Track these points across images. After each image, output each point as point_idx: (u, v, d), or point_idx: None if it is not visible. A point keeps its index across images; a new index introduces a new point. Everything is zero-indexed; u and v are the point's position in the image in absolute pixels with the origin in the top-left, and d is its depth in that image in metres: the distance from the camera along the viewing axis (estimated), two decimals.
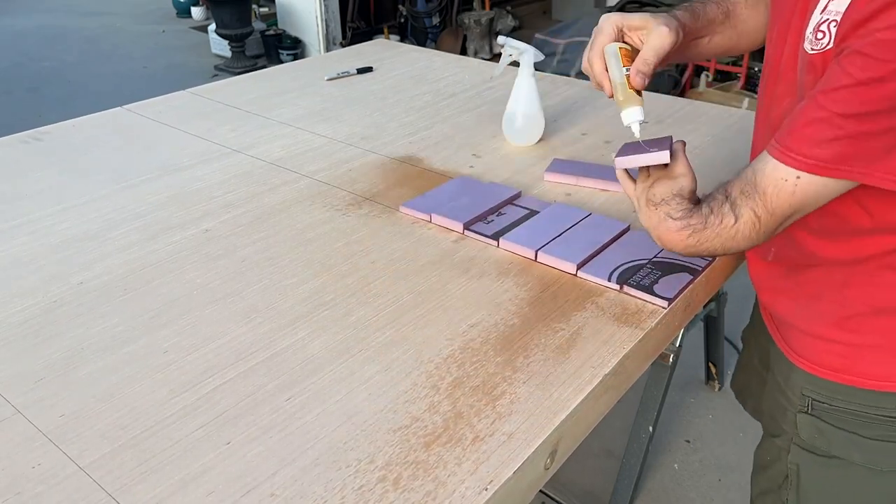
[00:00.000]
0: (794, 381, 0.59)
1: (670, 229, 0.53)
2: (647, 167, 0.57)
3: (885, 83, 0.42)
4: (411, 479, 0.45)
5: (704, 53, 0.66)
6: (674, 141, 0.56)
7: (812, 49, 0.49)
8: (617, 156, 0.57)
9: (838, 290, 0.55)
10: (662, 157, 0.55)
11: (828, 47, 0.47)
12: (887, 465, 0.56)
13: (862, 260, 0.53)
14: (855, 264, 0.54)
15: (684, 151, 0.56)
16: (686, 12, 0.62)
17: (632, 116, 0.56)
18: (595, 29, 0.59)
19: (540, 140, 0.94)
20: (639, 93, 0.57)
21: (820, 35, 0.48)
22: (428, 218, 0.76)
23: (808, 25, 0.49)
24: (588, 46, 0.59)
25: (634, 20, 0.58)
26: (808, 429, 0.59)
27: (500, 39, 0.89)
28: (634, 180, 0.58)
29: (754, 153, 0.61)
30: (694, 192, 0.54)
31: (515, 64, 0.91)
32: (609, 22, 0.58)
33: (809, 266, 0.57)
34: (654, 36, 0.56)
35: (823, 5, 0.48)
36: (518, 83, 0.90)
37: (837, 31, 0.46)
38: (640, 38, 0.58)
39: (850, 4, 0.45)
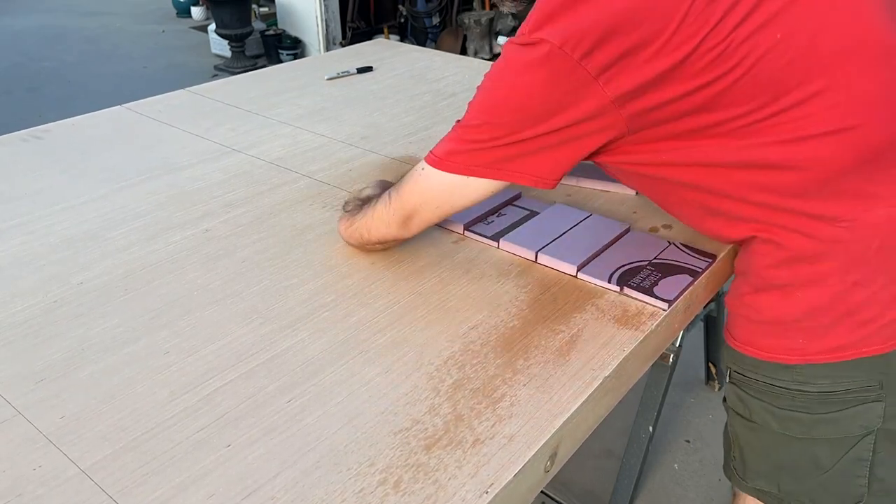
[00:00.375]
0: (724, 355, 0.65)
1: (340, 220, 0.69)
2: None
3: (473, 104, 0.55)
4: (412, 482, 0.45)
5: None
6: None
7: None
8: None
9: (741, 271, 0.61)
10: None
11: None
12: (799, 433, 0.59)
13: (737, 240, 0.60)
14: (738, 243, 0.60)
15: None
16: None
17: None
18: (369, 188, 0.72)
19: None
20: None
21: None
22: None
23: None
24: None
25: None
26: (733, 397, 0.65)
27: (501, 40, 0.88)
28: None
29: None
30: (371, 198, 0.66)
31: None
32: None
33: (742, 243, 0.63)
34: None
35: None
36: None
37: None
38: None
39: None
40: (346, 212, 0.68)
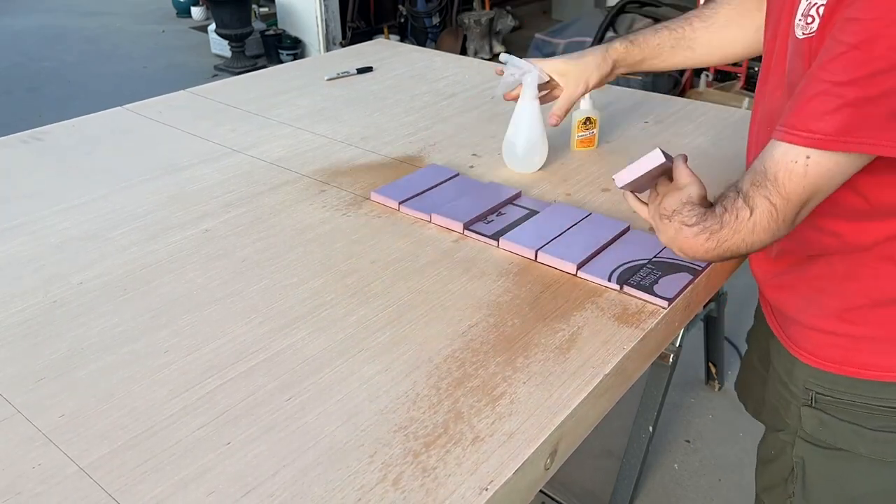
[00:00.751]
0: (796, 374, 0.59)
1: (687, 237, 0.53)
2: (656, 186, 0.58)
3: (876, 41, 0.41)
4: (411, 480, 0.45)
5: (666, 68, 0.76)
6: (666, 151, 0.57)
7: (803, 34, 0.48)
8: (616, 176, 0.59)
9: (840, 283, 0.55)
10: (655, 157, 0.56)
11: (815, 30, 0.47)
12: (892, 456, 0.56)
13: (861, 249, 0.53)
14: (855, 254, 0.54)
15: (685, 162, 0.57)
16: (624, 44, 0.74)
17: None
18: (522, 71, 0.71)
19: (539, 168, 0.86)
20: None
21: (809, 19, 0.48)
22: (428, 218, 0.76)
23: (797, 12, 0.49)
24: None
25: (557, 65, 0.72)
26: (812, 421, 0.59)
27: (503, 57, 0.80)
28: (645, 203, 0.60)
29: (749, 154, 0.61)
30: (704, 197, 0.54)
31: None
32: (540, 66, 0.72)
33: (812, 258, 0.57)
34: (568, 87, 0.73)
35: None
36: (520, 106, 0.81)
37: (824, 11, 0.46)
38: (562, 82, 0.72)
39: None
40: (692, 226, 0.52)
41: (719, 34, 0.72)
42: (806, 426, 0.59)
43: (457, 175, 0.84)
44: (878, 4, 0.41)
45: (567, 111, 0.78)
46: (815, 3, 0.48)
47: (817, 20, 0.47)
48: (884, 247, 0.52)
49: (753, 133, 0.61)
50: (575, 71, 0.72)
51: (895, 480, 0.57)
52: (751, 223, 0.49)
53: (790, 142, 0.46)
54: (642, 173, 0.56)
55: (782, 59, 0.53)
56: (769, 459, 0.64)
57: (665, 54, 0.74)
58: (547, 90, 0.80)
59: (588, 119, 0.88)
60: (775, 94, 0.55)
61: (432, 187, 0.81)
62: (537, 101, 0.81)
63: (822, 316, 0.56)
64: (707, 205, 0.53)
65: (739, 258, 0.56)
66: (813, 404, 0.58)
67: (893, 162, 0.46)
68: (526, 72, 0.79)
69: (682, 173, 0.56)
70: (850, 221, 0.53)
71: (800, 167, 0.46)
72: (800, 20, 0.49)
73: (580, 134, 0.88)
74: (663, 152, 0.56)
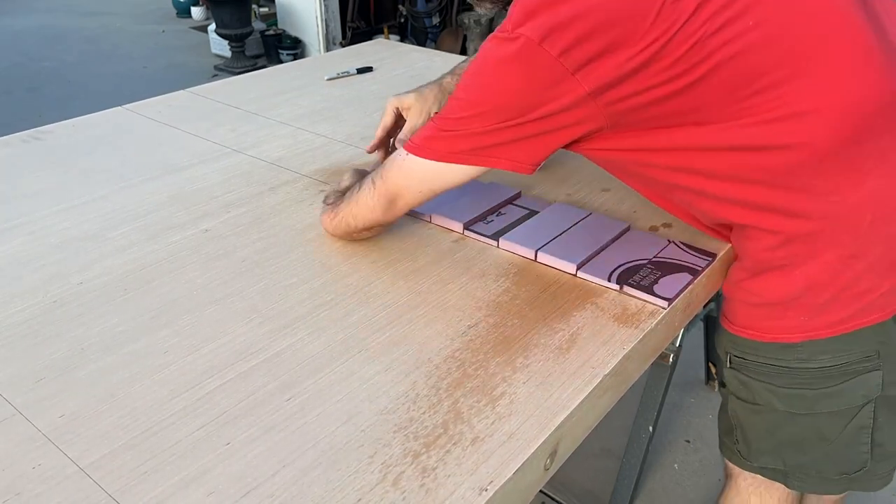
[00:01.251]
0: (721, 341, 0.67)
1: (323, 213, 0.70)
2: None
3: (454, 98, 0.57)
4: (411, 480, 0.45)
5: None
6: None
7: None
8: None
9: (738, 256, 0.62)
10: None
11: None
12: (804, 409, 0.62)
13: (725, 224, 0.62)
14: (731, 229, 0.62)
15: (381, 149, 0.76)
16: (454, 78, 0.81)
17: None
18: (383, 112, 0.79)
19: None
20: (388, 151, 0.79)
21: None
22: (428, 218, 0.76)
23: None
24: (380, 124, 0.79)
25: (406, 101, 0.77)
26: (734, 382, 0.66)
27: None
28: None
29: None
30: (350, 188, 0.68)
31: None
32: (390, 105, 0.78)
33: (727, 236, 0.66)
34: (411, 118, 0.77)
35: None
36: None
37: None
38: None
39: None
40: (328, 205, 0.69)
41: None
42: (730, 385, 0.66)
43: None
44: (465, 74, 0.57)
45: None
46: None
47: None
48: (751, 229, 0.58)
49: None
50: (416, 104, 0.78)
51: (812, 428, 0.63)
52: (356, 196, 0.65)
53: (407, 149, 0.61)
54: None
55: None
56: (721, 409, 0.72)
57: None
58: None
59: None
60: None
61: None
62: None
63: (732, 286, 0.63)
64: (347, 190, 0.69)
65: (353, 235, 0.68)
66: (731, 366, 0.65)
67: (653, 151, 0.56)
68: None
69: (351, 169, 0.73)
70: (701, 198, 0.60)
71: (398, 160, 0.61)
72: None
73: None
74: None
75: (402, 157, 0.61)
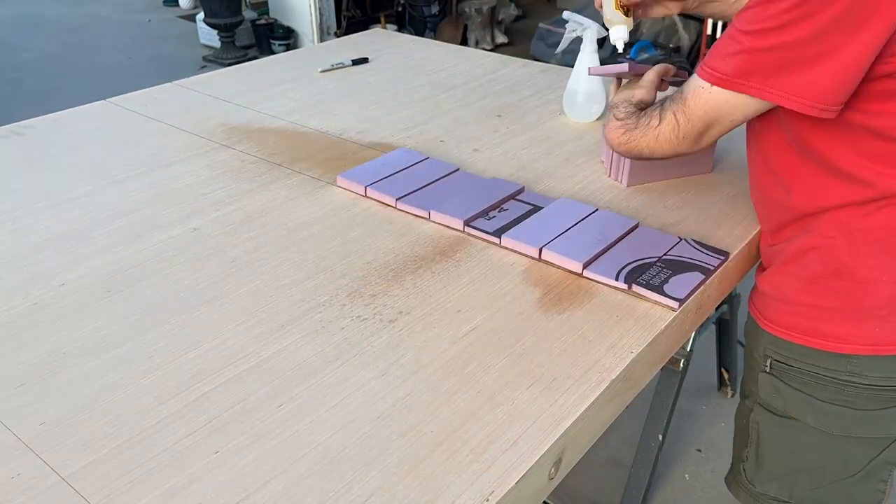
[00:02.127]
0: (760, 343, 0.63)
1: (610, 127, 0.63)
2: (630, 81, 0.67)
3: (772, 3, 0.49)
4: (408, 491, 0.44)
5: (728, 13, 0.71)
6: (640, 63, 0.66)
7: None
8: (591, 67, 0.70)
9: (803, 255, 0.58)
10: (620, 67, 0.65)
11: None
12: (838, 429, 0.59)
13: (814, 215, 0.57)
14: (812, 224, 0.58)
15: (659, 72, 0.65)
16: None
17: (615, 34, 0.67)
18: None
19: (598, 118, 0.94)
20: (627, 14, 0.67)
21: None
22: (426, 215, 0.74)
23: None
24: None
25: None
26: (767, 388, 0.62)
27: (566, 15, 0.91)
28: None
29: None
30: (644, 101, 0.63)
31: (578, 41, 0.92)
32: None
33: (782, 229, 0.61)
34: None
35: None
36: (580, 59, 0.90)
37: None
38: None
39: None
40: (619, 119, 0.63)
41: None
42: (761, 392, 0.63)
43: (457, 170, 0.82)
44: None
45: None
46: None
47: None
48: (837, 214, 0.55)
49: None
50: None
51: (839, 454, 0.59)
52: (657, 131, 0.60)
53: (700, 76, 0.56)
54: (610, 72, 0.67)
55: None
56: (738, 428, 0.68)
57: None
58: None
59: None
60: None
61: (431, 183, 0.79)
62: (596, 55, 0.90)
63: (789, 288, 0.59)
64: (643, 108, 0.63)
65: (645, 159, 0.63)
66: (769, 370, 0.61)
67: (837, 123, 0.52)
68: (587, 27, 0.89)
69: (644, 79, 0.64)
70: (811, 184, 0.57)
71: (704, 93, 0.55)
72: None
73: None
74: (636, 64, 0.65)
75: (702, 88, 0.55)
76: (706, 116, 0.56)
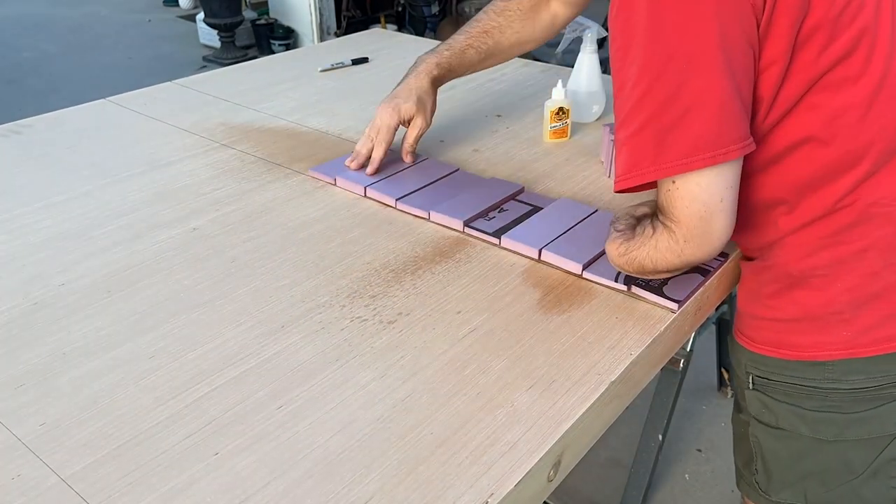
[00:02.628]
0: (741, 361, 0.62)
1: (610, 241, 0.59)
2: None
3: (622, 88, 0.48)
4: (408, 493, 0.43)
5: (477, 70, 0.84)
6: None
7: None
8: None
9: (762, 271, 0.59)
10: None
11: None
12: (832, 435, 0.58)
13: (771, 241, 0.57)
14: (767, 244, 0.58)
15: None
16: (439, 69, 0.79)
17: None
18: (378, 123, 0.78)
19: (598, 118, 0.95)
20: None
21: None
22: (426, 215, 0.74)
23: None
24: (375, 136, 0.78)
25: (406, 110, 0.77)
26: (756, 404, 0.62)
27: None
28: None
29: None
30: (647, 215, 0.58)
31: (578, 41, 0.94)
32: (387, 120, 0.77)
33: (748, 250, 0.62)
34: (416, 124, 0.78)
35: None
36: (580, 59, 0.92)
37: None
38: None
39: None
40: (618, 231, 0.58)
41: (519, 33, 0.80)
42: (751, 409, 0.62)
43: (457, 170, 0.81)
44: (614, 57, 0.48)
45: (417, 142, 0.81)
46: None
47: None
48: (787, 236, 0.55)
49: None
50: (418, 110, 0.77)
51: (839, 458, 0.58)
52: (654, 240, 0.54)
53: (615, 190, 0.53)
54: None
55: None
56: (738, 437, 0.67)
57: (479, 66, 0.83)
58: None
59: (561, 109, 0.89)
60: None
61: (430, 183, 0.78)
62: (596, 55, 0.92)
63: (755, 303, 0.60)
64: (634, 226, 0.58)
65: (650, 274, 0.58)
66: (753, 387, 0.61)
67: (746, 164, 0.50)
68: (587, 28, 0.92)
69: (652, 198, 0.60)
70: (752, 214, 0.57)
71: (671, 193, 0.50)
72: None
73: (553, 125, 0.90)
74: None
75: (671, 187, 0.50)
76: (686, 208, 0.50)
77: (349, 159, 0.80)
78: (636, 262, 0.56)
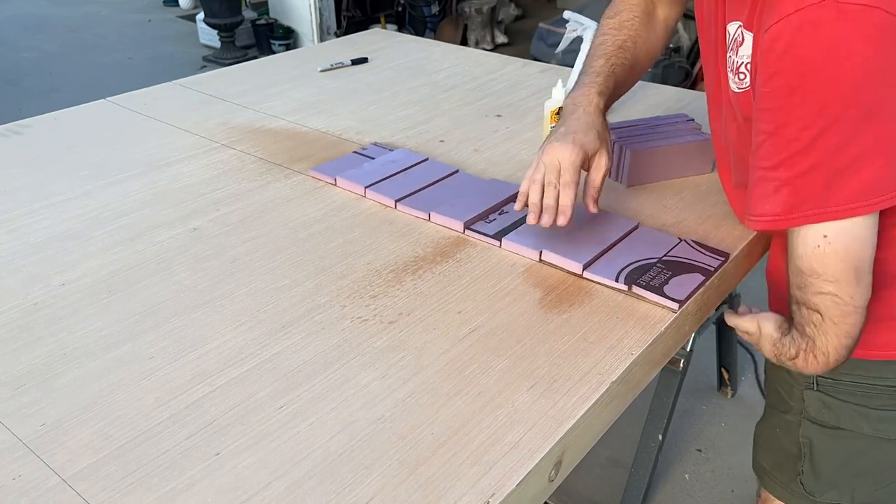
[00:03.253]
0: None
1: (802, 367, 0.54)
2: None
3: (787, 126, 0.46)
4: (409, 493, 0.43)
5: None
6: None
7: (738, 89, 0.55)
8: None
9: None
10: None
11: (748, 86, 0.53)
12: (893, 433, 0.58)
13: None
14: None
15: (736, 315, 0.61)
16: (604, 98, 0.66)
17: None
18: (556, 162, 0.61)
19: None
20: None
21: (742, 76, 0.54)
22: (426, 216, 0.74)
23: (728, 68, 0.56)
24: (558, 183, 0.61)
25: (590, 146, 0.62)
26: (816, 404, 0.61)
27: (566, 14, 0.90)
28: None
29: (722, 175, 0.68)
30: (781, 325, 0.56)
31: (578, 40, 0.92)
32: (573, 159, 0.61)
33: None
34: (595, 167, 0.63)
35: (734, 50, 0.54)
36: (580, 59, 0.90)
37: (751, 69, 0.52)
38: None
39: (752, 51, 0.51)
40: (793, 359, 0.55)
41: (647, 41, 0.73)
42: (809, 409, 0.61)
43: (456, 171, 0.81)
44: (776, 94, 0.46)
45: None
46: (742, 62, 0.53)
47: (748, 77, 0.53)
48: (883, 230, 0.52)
49: (718, 153, 0.66)
50: (602, 146, 0.63)
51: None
52: (829, 322, 0.50)
53: (750, 227, 0.52)
54: None
55: (727, 102, 0.58)
56: (774, 438, 0.66)
57: (628, 83, 0.73)
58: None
59: (561, 109, 0.88)
60: (731, 128, 0.59)
61: (430, 184, 0.78)
62: None
63: None
64: (788, 327, 0.55)
65: (854, 343, 0.53)
66: (815, 388, 0.60)
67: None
68: (587, 27, 0.88)
69: (744, 325, 0.59)
70: None
71: (821, 250, 0.48)
72: (732, 77, 0.55)
73: (553, 125, 0.87)
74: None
75: (817, 242, 0.47)
76: (844, 262, 0.47)
77: (517, 205, 0.63)
78: (840, 349, 0.51)
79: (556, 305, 0.60)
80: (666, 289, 0.60)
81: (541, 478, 0.47)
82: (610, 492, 1.09)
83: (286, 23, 3.22)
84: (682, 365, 0.84)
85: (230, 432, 0.48)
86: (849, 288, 0.48)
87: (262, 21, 3.21)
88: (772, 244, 0.65)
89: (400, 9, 3.27)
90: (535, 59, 1.27)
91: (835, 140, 0.45)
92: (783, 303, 0.58)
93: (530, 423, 0.49)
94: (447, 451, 0.46)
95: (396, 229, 0.72)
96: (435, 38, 2.93)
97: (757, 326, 0.58)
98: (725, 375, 1.28)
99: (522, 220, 0.71)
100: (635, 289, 0.61)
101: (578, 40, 0.92)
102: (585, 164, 0.63)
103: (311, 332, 0.57)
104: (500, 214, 0.73)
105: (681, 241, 0.67)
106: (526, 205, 0.63)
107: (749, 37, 0.52)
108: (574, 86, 0.68)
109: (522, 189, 0.63)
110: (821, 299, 0.49)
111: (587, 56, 0.71)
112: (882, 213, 0.48)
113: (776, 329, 0.56)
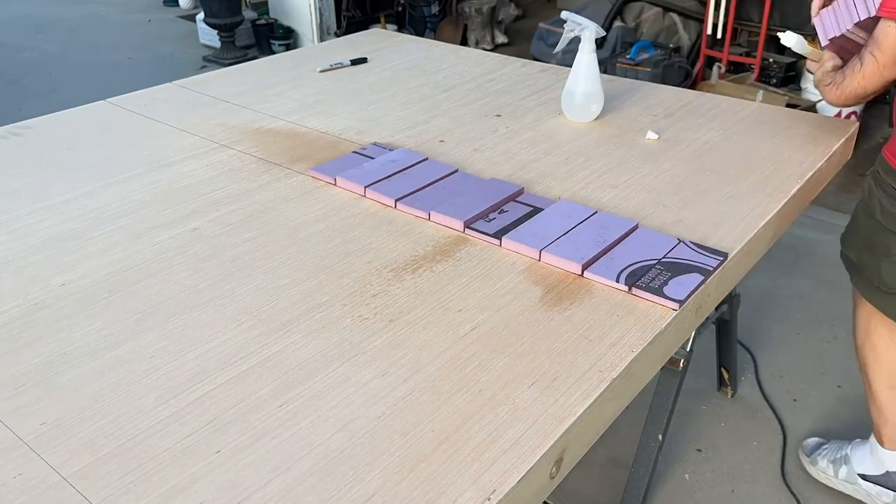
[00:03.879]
0: (881, 163, 0.85)
1: (826, 92, 0.83)
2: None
3: None
4: (410, 490, 0.43)
5: None
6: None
7: None
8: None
9: None
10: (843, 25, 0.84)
11: None
12: (892, 226, 0.82)
13: None
14: None
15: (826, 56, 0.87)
16: None
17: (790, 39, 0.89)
18: None
19: (597, 118, 0.95)
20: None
21: None
22: (426, 216, 0.74)
23: None
24: None
25: None
26: (876, 189, 0.84)
27: (564, 14, 0.92)
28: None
29: None
30: (837, 65, 0.83)
31: (577, 40, 0.92)
32: None
33: None
34: None
35: None
36: (578, 59, 0.92)
37: None
38: None
39: None
40: (828, 85, 0.82)
41: None
42: (865, 193, 0.85)
43: (456, 171, 0.82)
44: None
45: None
46: None
47: None
48: None
49: None
50: None
51: (886, 241, 0.82)
52: (861, 72, 0.78)
53: (882, 16, 0.74)
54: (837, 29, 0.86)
55: None
56: (862, 245, 0.89)
57: None
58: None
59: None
60: None
61: (430, 184, 0.79)
62: (594, 55, 0.92)
63: None
64: (838, 66, 0.83)
65: (861, 99, 0.80)
66: (879, 184, 0.83)
67: None
68: (585, 27, 0.89)
69: (823, 55, 0.86)
70: None
71: (891, 30, 0.73)
72: None
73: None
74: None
75: (890, 25, 0.72)
76: (892, 45, 0.73)
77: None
78: (852, 94, 0.79)
79: (556, 303, 0.60)
80: (665, 290, 0.60)
81: (542, 475, 0.47)
82: (610, 492, 1.08)
83: (286, 23, 3.22)
84: (681, 365, 0.84)
85: (230, 430, 0.48)
86: (887, 60, 0.75)
87: (262, 21, 3.21)
88: None
89: (400, 9, 3.28)
90: (535, 59, 1.27)
91: None
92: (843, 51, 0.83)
93: (531, 420, 0.49)
94: (448, 448, 0.46)
95: (396, 228, 0.72)
96: (435, 38, 2.94)
97: (827, 57, 0.85)
98: (725, 375, 1.28)
99: (522, 220, 0.71)
100: (635, 290, 0.61)
101: (577, 40, 0.92)
102: None
103: (312, 330, 0.57)
104: (499, 213, 0.73)
105: (680, 242, 0.68)
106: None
107: None
108: None
109: None
110: (868, 57, 0.76)
111: None
112: None
113: (832, 65, 0.83)
